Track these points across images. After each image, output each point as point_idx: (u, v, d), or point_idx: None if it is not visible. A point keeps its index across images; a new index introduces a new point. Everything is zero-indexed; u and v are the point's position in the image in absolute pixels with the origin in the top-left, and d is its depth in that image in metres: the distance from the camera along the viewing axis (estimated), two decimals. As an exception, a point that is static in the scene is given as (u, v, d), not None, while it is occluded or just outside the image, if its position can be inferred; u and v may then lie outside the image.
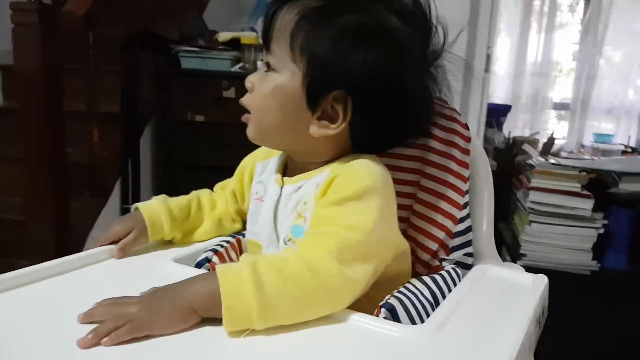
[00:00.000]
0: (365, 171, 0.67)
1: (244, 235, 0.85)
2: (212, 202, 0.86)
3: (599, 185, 1.94)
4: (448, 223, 0.79)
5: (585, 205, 1.88)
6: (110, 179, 2.21)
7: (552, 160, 2.04)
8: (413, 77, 0.68)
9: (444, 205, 0.80)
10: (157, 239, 0.80)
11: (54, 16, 1.71)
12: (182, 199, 0.84)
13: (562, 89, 3.99)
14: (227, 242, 0.81)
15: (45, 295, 0.64)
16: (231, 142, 2.29)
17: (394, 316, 0.61)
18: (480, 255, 0.84)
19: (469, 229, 0.82)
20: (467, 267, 0.81)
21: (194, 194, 0.87)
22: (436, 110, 0.80)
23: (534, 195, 1.93)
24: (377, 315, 0.61)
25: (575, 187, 1.90)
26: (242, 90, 2.57)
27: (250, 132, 0.74)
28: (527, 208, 1.94)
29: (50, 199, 1.77)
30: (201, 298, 0.56)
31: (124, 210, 2.26)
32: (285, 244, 0.71)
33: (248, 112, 0.73)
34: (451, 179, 0.80)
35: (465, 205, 0.81)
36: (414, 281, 0.70)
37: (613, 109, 3.84)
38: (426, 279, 0.71)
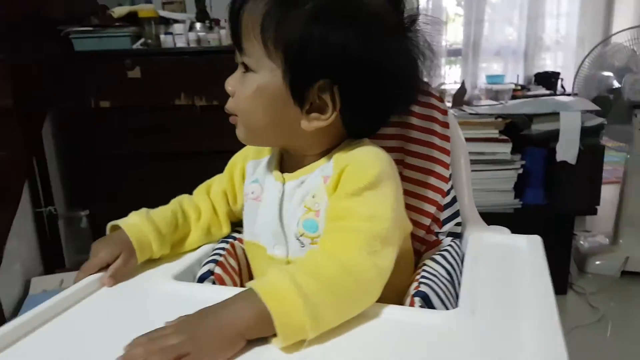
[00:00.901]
0: (373, 158, 0.66)
1: (234, 238, 0.81)
2: (197, 210, 0.81)
3: (513, 128, 2.05)
4: (438, 197, 0.81)
5: (505, 149, 1.99)
6: (16, 182, 2.01)
7: (469, 111, 2.13)
8: (396, 49, 0.66)
9: (432, 180, 0.81)
10: (145, 259, 0.74)
11: None
12: (165, 212, 0.78)
13: (452, 35, 4.15)
14: (223, 249, 0.77)
15: (53, 344, 0.57)
16: (144, 127, 2.17)
17: (427, 303, 0.61)
18: (467, 222, 0.86)
19: (454, 199, 0.84)
20: (459, 236, 0.84)
21: (175, 203, 0.81)
22: None
23: (456, 145, 2.02)
24: (412, 305, 0.61)
25: (494, 133, 2.00)
26: (147, 69, 2.39)
27: (241, 134, 0.71)
28: (452, 158, 2.02)
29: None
30: (247, 321, 0.53)
31: (37, 215, 2.07)
32: (298, 239, 0.69)
33: (230, 114, 0.70)
34: (436, 154, 0.81)
35: (450, 177, 0.83)
36: (429, 262, 0.71)
37: (501, 50, 4.08)
38: (438, 257, 0.72)
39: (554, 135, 2.01)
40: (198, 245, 0.80)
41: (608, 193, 2.48)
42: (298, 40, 0.61)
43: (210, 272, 0.71)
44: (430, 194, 0.80)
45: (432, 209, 0.80)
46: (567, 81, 4.62)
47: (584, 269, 2.29)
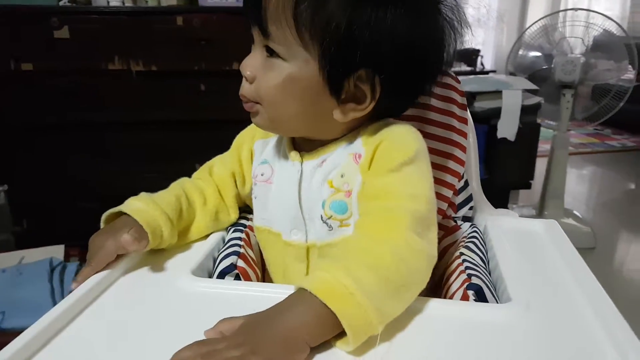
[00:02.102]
0: (410, 134, 0.63)
1: (244, 226, 0.74)
2: (202, 194, 0.73)
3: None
4: (455, 181, 0.79)
5: (451, 125, 2.04)
6: None
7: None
8: (434, 29, 0.61)
9: (451, 164, 0.79)
10: (154, 246, 0.66)
11: None
12: (168, 197, 0.69)
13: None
14: (239, 238, 0.71)
15: (83, 344, 0.49)
16: (71, 94, 1.98)
17: (479, 296, 0.59)
18: (476, 206, 0.85)
19: (467, 183, 0.83)
20: (471, 220, 0.82)
21: (177, 187, 0.72)
22: None
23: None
24: (465, 299, 0.59)
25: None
26: (77, 29, 2.18)
27: (262, 122, 0.63)
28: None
29: None
30: (313, 328, 0.48)
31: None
32: (325, 222, 0.64)
33: (248, 100, 0.63)
34: (455, 137, 0.79)
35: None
36: (465, 251, 0.69)
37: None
38: (471, 246, 0.70)
39: (495, 113, 2.08)
40: (205, 233, 0.72)
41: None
42: (340, 28, 0.55)
43: (233, 266, 0.64)
44: (449, 178, 0.78)
45: (449, 193, 0.78)
46: (486, 58, 4.84)
47: (514, 239, 2.41)
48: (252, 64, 0.60)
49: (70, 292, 0.57)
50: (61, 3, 1.94)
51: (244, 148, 0.75)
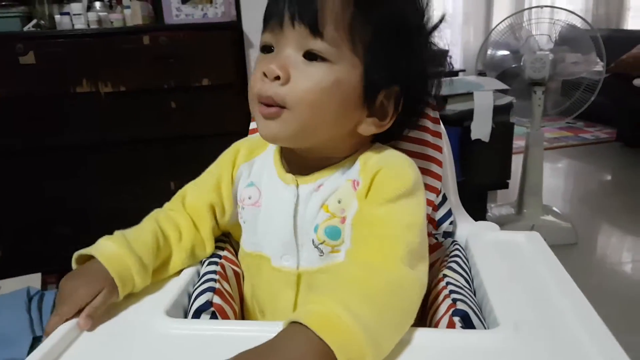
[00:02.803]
0: (407, 164, 0.64)
1: (220, 257, 0.72)
2: (177, 228, 0.70)
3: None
4: (433, 197, 0.78)
5: (426, 130, 2.04)
6: None
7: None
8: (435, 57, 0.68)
9: (428, 180, 0.77)
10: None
11: None
12: (145, 236, 0.66)
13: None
14: (214, 272, 0.68)
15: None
16: (40, 119, 1.94)
17: (466, 322, 0.57)
18: (456, 219, 0.84)
19: (445, 197, 0.82)
20: (451, 235, 0.81)
21: (152, 222, 0.69)
22: None
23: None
24: (452, 326, 0.57)
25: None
26: (42, 54, 2.12)
27: (283, 132, 0.60)
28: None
29: None
30: None
31: None
32: (317, 247, 0.63)
33: (272, 104, 0.59)
34: (430, 152, 0.78)
35: (440, 174, 0.80)
36: (448, 272, 0.67)
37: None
38: (454, 266, 0.69)
39: (468, 115, 2.09)
40: (180, 269, 0.70)
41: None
42: (387, 43, 0.59)
43: (209, 303, 0.62)
44: (427, 194, 0.76)
45: (428, 209, 0.77)
46: (454, 57, 4.87)
47: (495, 239, 2.42)
48: (285, 65, 0.58)
49: (41, 343, 0.55)
50: (25, 28, 1.89)
51: (224, 176, 0.72)
